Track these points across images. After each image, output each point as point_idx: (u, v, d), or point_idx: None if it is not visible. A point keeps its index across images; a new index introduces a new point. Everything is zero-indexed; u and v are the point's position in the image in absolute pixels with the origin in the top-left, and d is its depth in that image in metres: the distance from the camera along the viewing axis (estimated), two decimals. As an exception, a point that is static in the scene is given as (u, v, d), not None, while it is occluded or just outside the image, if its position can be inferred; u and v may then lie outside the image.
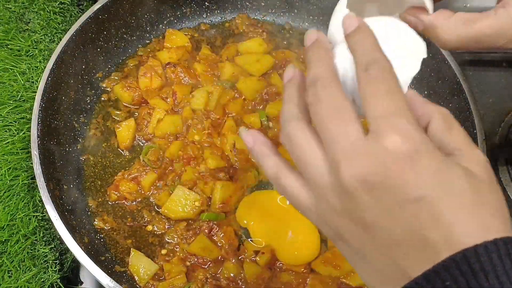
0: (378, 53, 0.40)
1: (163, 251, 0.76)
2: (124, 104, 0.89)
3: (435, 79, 0.89)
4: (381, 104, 0.37)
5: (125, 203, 0.80)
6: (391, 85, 0.38)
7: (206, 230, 0.76)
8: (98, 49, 0.90)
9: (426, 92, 0.90)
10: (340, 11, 0.47)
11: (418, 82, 0.92)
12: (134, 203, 0.80)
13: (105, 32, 0.89)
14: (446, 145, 0.40)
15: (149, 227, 0.78)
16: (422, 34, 0.49)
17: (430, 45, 0.46)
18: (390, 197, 0.36)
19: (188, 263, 0.74)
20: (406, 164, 0.35)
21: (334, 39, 0.47)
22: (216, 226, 0.77)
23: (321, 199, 0.39)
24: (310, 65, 0.42)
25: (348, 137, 0.37)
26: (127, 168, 0.83)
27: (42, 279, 0.73)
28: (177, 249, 0.76)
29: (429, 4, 0.51)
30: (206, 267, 0.74)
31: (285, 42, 0.99)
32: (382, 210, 0.36)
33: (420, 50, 0.44)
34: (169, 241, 0.77)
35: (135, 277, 0.73)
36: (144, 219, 0.79)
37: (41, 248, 0.74)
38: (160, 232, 0.78)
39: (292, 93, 0.43)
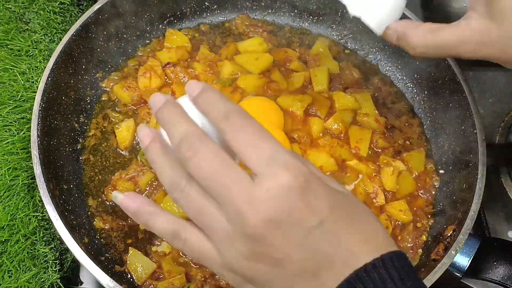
0: (230, 104, 0.42)
1: (158, 249, 0.76)
2: (124, 104, 0.89)
3: (435, 79, 0.88)
4: (260, 148, 0.39)
5: (124, 203, 0.80)
6: (256, 129, 0.40)
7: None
8: (98, 49, 0.90)
9: (426, 92, 0.90)
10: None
11: (418, 82, 0.92)
12: (132, 202, 0.80)
13: (105, 32, 0.89)
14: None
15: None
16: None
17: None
18: (295, 229, 0.38)
19: (182, 261, 0.74)
20: (303, 195, 0.38)
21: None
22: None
23: (227, 249, 0.40)
24: (170, 125, 0.43)
25: (240, 185, 0.38)
26: (126, 168, 0.83)
27: (42, 279, 0.73)
28: (172, 247, 0.76)
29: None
30: (203, 267, 0.74)
31: (285, 42, 0.98)
32: (290, 243, 0.39)
33: None
34: (164, 239, 0.77)
35: (133, 276, 0.73)
36: (144, 219, 0.79)
37: (41, 248, 0.74)
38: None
39: (160, 158, 0.43)
